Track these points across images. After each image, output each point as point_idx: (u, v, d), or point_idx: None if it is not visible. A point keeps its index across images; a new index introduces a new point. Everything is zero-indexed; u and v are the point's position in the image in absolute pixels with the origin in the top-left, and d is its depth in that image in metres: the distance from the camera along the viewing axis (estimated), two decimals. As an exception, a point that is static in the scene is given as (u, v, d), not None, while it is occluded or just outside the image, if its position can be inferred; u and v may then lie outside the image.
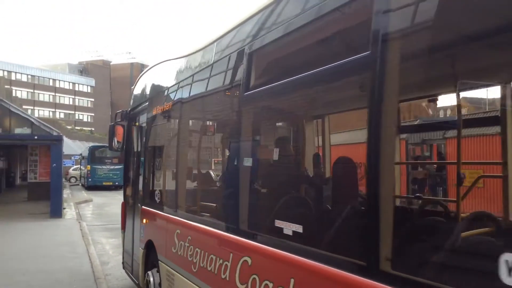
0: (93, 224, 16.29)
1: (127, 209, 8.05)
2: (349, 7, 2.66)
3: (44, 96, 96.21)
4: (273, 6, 3.59)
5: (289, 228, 3.11)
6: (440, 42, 2.33)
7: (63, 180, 21.90)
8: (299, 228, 3.03)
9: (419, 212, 2.85)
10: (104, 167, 34.16)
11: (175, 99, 5.80)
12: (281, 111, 3.79)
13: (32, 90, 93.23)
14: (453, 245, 2.27)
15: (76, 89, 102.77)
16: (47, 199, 18.27)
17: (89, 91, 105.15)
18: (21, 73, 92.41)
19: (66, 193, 26.24)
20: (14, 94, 55.90)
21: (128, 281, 7.86)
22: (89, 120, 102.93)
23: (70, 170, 45.60)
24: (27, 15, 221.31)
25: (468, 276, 2.05)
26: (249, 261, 3.52)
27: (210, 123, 5.37)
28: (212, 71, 4.70)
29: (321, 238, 2.97)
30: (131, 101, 8.36)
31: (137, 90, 8.11)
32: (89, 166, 35.13)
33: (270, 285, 3.16)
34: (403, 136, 3.12)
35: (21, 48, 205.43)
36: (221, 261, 4.00)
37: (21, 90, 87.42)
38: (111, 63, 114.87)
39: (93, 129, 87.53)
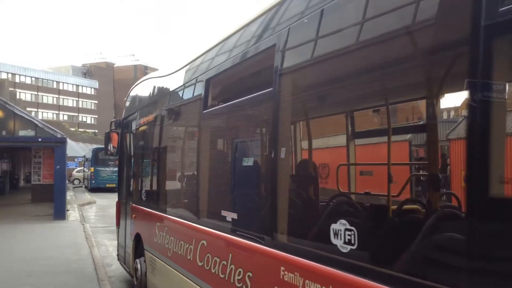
0: (97, 226, 16.39)
1: (121, 207, 9.09)
2: (258, 58, 3.87)
3: (48, 98, 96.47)
4: (216, 49, 4.97)
5: (229, 216, 4.18)
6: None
7: (67, 182, 21.98)
8: (235, 216, 4.10)
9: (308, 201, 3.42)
10: (107, 169, 34.24)
11: (157, 111, 6.98)
12: (223, 125, 4.92)
13: (36, 93, 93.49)
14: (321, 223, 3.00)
15: (80, 91, 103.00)
16: (51, 201, 18.44)
17: (92, 93, 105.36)
18: (25, 76, 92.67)
19: (69, 195, 26.43)
20: (18, 97, 56.23)
21: (131, 282, 7.93)
22: (92, 122, 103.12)
23: (74, 172, 45.76)
24: (31, 18, 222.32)
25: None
26: (205, 243, 4.58)
27: (182, 132, 6.30)
28: (183, 90, 5.90)
29: (247, 223, 3.95)
30: (124, 111, 9.58)
31: (128, 102, 9.33)
32: (92, 168, 35.27)
33: (218, 260, 4.19)
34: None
35: (25, 50, 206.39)
36: (187, 245, 5.07)
37: (25, 93, 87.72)
38: (114, 65, 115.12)
39: (96, 131, 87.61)
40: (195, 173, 5.15)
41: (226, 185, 4.67)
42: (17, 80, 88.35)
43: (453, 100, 2.18)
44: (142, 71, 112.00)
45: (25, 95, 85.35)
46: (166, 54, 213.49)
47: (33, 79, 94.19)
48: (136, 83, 8.99)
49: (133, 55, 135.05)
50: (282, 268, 3.06)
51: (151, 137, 7.43)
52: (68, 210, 18.85)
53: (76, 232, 13.94)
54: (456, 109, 2.19)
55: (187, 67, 5.86)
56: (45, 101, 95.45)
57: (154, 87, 7.56)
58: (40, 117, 67.67)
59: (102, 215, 19.66)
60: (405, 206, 2.65)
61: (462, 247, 1.89)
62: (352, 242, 2.50)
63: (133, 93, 9.07)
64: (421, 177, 2.82)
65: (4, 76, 77.41)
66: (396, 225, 2.57)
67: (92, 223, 16.95)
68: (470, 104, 1.85)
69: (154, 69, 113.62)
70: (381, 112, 2.93)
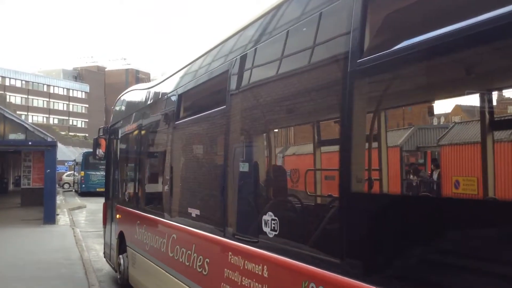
0: (87, 230, 16.24)
1: (107, 208, 9.82)
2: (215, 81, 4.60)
3: (38, 102, 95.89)
4: (184, 70, 5.81)
5: (194, 212, 4.97)
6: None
7: (57, 186, 21.82)
8: (197, 212, 4.89)
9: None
10: (97, 173, 33.85)
11: (137, 120, 7.81)
12: (190, 136, 5.67)
13: (26, 96, 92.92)
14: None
15: (71, 95, 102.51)
16: (41, 205, 18.21)
17: (83, 97, 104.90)
18: (15, 79, 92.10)
19: (59, 199, 26.16)
20: (8, 100, 55.81)
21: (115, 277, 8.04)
22: (83, 126, 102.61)
23: (64, 176, 45.44)
24: (22, 21, 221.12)
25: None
26: (175, 236, 5.33)
27: (157, 140, 7.04)
28: (160, 103, 6.63)
29: (206, 219, 4.70)
30: (111, 118, 10.41)
31: (115, 110, 10.17)
32: (82, 172, 35.00)
33: (185, 250, 4.93)
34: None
35: (16, 53, 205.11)
36: (160, 239, 5.82)
37: (15, 96, 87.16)
38: (106, 69, 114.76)
39: (87, 135, 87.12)
40: (168, 176, 5.95)
41: (191, 187, 5.51)
42: (7, 83, 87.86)
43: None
44: (133, 75, 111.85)
45: (15, 99, 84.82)
46: (157, 58, 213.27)
47: (24, 82, 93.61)
48: (122, 94, 9.73)
49: (124, 59, 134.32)
50: (230, 253, 3.83)
51: (132, 144, 8.37)
52: (58, 215, 18.66)
53: (66, 237, 13.81)
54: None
55: (163, 83, 6.68)
56: (35, 104, 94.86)
57: (136, 98, 8.41)
58: (30, 120, 67.21)
59: (93, 220, 19.45)
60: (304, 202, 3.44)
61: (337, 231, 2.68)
62: (276, 229, 3.25)
63: (118, 103, 9.86)
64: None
65: (-6, 79, 76.88)
66: (300, 217, 3.44)
67: (82, 228, 16.81)
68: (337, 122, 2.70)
69: (146, 73, 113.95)
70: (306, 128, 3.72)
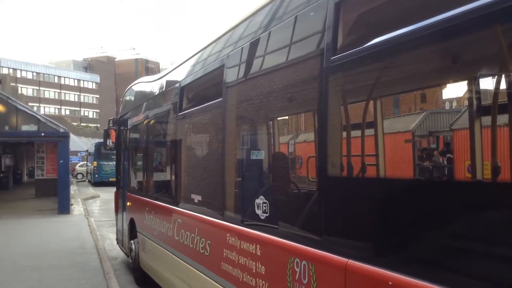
0: (101, 219, 16.40)
1: (119, 196, 10.20)
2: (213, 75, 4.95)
3: (50, 93, 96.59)
4: (186, 63, 6.11)
5: (196, 198, 5.35)
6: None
7: (70, 176, 22.02)
8: (199, 198, 5.28)
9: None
10: (110, 163, 33.91)
11: (145, 111, 8.16)
12: (192, 126, 5.91)
13: (37, 87, 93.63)
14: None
15: (81, 85, 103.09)
16: (55, 195, 18.40)
17: (94, 87, 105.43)
18: (27, 71, 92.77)
19: (73, 189, 26.40)
20: (20, 92, 56.15)
21: (138, 274, 8.15)
22: (94, 116, 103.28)
23: (77, 167, 45.78)
24: (32, 13, 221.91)
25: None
26: (180, 221, 5.71)
27: (164, 130, 7.24)
28: (165, 95, 7.00)
29: (208, 204, 5.04)
30: (120, 109, 10.80)
31: (124, 101, 10.50)
32: (95, 162, 35.20)
33: (189, 233, 5.29)
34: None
35: (26, 45, 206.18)
36: (167, 224, 6.22)
37: (27, 88, 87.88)
38: (115, 59, 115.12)
39: (98, 125, 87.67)
40: (174, 165, 6.33)
41: (195, 174, 5.81)
42: (18, 75, 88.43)
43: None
44: (143, 64, 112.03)
45: (26, 90, 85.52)
46: (167, 47, 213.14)
47: (35, 74, 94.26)
48: (130, 85, 10.03)
49: (134, 49, 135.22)
50: (228, 235, 4.17)
51: (141, 134, 8.74)
52: (72, 205, 18.88)
53: (81, 226, 13.97)
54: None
55: (171, 73, 6.94)
56: (46, 96, 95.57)
57: (144, 90, 8.73)
58: (42, 112, 67.76)
59: (106, 209, 19.61)
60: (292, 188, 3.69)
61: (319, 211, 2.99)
62: (266, 211, 3.58)
63: (127, 94, 10.18)
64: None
65: (5, 71, 77.42)
66: (291, 200, 3.63)
67: (96, 217, 16.99)
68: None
69: (155, 63, 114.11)
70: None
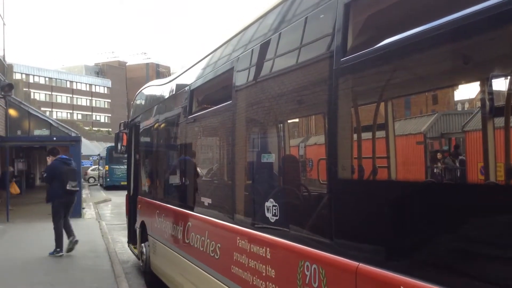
0: (113, 223, 16.45)
1: (130, 199, 10.14)
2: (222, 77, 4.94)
3: (62, 98, 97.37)
4: (196, 67, 6.10)
5: (206, 201, 5.34)
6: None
7: (82, 180, 22.13)
8: (210, 201, 5.27)
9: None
10: (122, 167, 33.88)
11: (155, 115, 8.17)
12: (202, 129, 6.00)
13: (50, 92, 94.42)
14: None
15: (93, 90, 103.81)
16: (67, 199, 18.42)
17: (105, 92, 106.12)
18: (39, 76, 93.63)
19: (85, 193, 26.50)
20: (32, 97, 56.66)
21: (149, 277, 8.21)
22: (106, 120, 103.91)
23: (89, 171, 46.01)
24: (44, 19, 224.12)
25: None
26: (191, 224, 5.71)
27: (173, 134, 7.29)
28: (175, 98, 7.01)
29: (218, 207, 5.03)
30: (131, 113, 10.81)
31: (134, 105, 10.50)
32: (107, 167, 35.32)
33: (199, 236, 5.28)
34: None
35: (38, 51, 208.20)
36: (178, 227, 6.20)
37: (39, 93, 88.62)
38: (126, 64, 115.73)
39: (110, 129, 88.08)
40: (184, 168, 6.36)
41: (206, 177, 5.82)
42: (31, 80, 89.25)
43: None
44: (154, 69, 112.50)
45: (39, 95, 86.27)
46: (177, 52, 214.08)
47: (47, 79, 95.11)
48: (140, 90, 9.98)
49: (145, 53, 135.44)
50: (238, 238, 4.14)
51: (151, 138, 8.74)
52: (83, 208, 18.89)
53: (92, 230, 13.99)
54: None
55: (180, 77, 6.95)
56: (59, 100, 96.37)
57: (154, 93, 8.72)
58: (54, 116, 68.33)
59: (118, 213, 19.68)
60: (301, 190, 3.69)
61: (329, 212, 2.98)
62: (276, 214, 3.56)
63: (137, 98, 10.21)
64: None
65: (18, 76, 77.99)
66: (301, 203, 3.63)
67: (108, 221, 17.03)
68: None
69: (166, 67, 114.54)
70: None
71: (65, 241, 10.17)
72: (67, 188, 10.15)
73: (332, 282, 2.81)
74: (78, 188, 10.89)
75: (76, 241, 10.23)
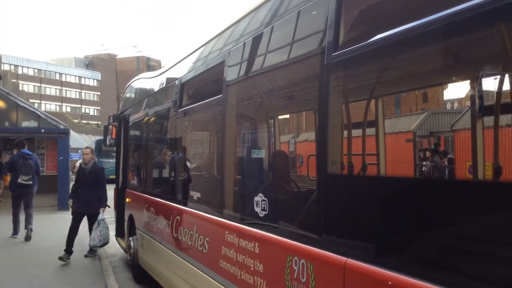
0: (100, 217, 16.32)
1: (118, 193, 10.11)
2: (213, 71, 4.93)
3: (51, 90, 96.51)
4: (186, 60, 6.09)
5: (195, 195, 5.34)
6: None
7: (70, 173, 21.99)
8: (199, 195, 5.28)
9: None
10: (110, 160, 33.70)
11: (144, 108, 8.15)
12: (192, 123, 5.92)
13: (38, 84, 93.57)
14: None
15: (83, 82, 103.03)
16: (54, 192, 18.36)
17: (95, 84, 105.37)
18: (28, 67, 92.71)
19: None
20: (21, 88, 56.15)
21: (136, 271, 8.22)
22: (95, 113, 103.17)
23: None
24: (33, 10, 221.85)
25: None
26: (179, 218, 5.66)
27: (163, 127, 7.21)
28: (165, 91, 6.95)
29: (206, 201, 5.06)
30: (120, 105, 10.72)
31: (124, 97, 10.41)
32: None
33: (188, 230, 5.25)
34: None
35: (27, 42, 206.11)
36: (166, 221, 6.19)
37: (28, 84, 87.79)
38: (117, 57, 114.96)
39: (99, 122, 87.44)
40: (173, 162, 6.30)
41: (195, 171, 5.79)
42: (19, 71, 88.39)
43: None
44: (144, 62, 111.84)
45: (28, 87, 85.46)
46: (168, 45, 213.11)
47: (36, 70, 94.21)
48: (130, 82, 9.93)
49: (135, 46, 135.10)
50: (226, 232, 4.15)
51: (140, 131, 8.73)
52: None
53: (102, 214, 13.86)
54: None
55: (170, 70, 6.94)
56: (48, 92, 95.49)
57: (144, 86, 8.69)
58: (43, 108, 67.75)
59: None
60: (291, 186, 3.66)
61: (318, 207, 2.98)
62: (265, 209, 3.56)
63: (127, 90, 10.11)
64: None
65: (7, 67, 77.09)
66: (290, 199, 3.62)
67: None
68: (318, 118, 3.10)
69: (157, 61, 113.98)
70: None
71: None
72: (18, 181, 10.95)
73: (320, 277, 2.83)
74: (30, 182, 11.20)
75: (31, 229, 11.20)
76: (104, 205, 9.23)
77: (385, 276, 2.30)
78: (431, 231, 2.24)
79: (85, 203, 9.13)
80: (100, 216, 9.01)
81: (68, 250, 8.90)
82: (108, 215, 16.22)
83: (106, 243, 9.12)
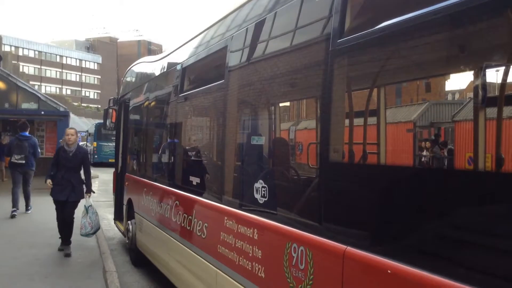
0: (99, 200, 16.37)
1: (117, 177, 10.13)
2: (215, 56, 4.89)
3: (51, 72, 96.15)
4: (188, 44, 6.07)
5: (195, 181, 5.34)
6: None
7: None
8: (198, 180, 5.27)
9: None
10: (110, 144, 33.70)
11: (145, 92, 8.11)
12: (192, 108, 5.93)
13: (39, 66, 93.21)
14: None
15: (83, 65, 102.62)
16: (54, 174, 18.32)
17: (95, 68, 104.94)
18: (28, 49, 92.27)
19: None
20: (21, 70, 55.99)
21: (134, 254, 8.26)
22: (95, 97, 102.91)
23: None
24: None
25: None
26: (178, 203, 5.68)
27: (164, 112, 7.12)
28: (166, 76, 6.89)
29: (206, 187, 5.09)
30: (121, 89, 10.66)
31: (124, 81, 10.32)
32: (95, 143, 35.07)
33: (186, 215, 5.28)
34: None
35: (28, 23, 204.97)
36: (165, 205, 6.21)
37: (28, 66, 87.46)
38: (118, 40, 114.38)
39: (99, 106, 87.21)
40: (173, 147, 6.30)
41: (195, 156, 5.74)
42: (20, 53, 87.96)
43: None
44: (145, 46, 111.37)
45: (28, 69, 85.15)
46: (170, 30, 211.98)
47: (37, 52, 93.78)
48: (131, 66, 9.86)
49: (137, 30, 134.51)
50: (225, 218, 4.16)
51: (140, 115, 8.68)
52: (71, 184, 18.78)
53: (78, 206, 13.92)
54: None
55: (169, 57, 6.90)
56: (48, 75, 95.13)
57: (145, 70, 8.61)
58: (43, 91, 67.56)
59: (105, 190, 19.58)
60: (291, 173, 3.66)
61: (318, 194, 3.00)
62: (265, 195, 3.56)
63: (127, 74, 10.03)
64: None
65: (7, 49, 76.71)
66: (290, 186, 3.64)
67: (94, 197, 16.88)
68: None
69: (158, 45, 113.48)
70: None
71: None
72: (12, 160, 11.84)
73: (318, 265, 2.84)
74: (23, 162, 11.78)
75: (14, 216, 11.60)
76: (90, 190, 8.51)
77: (384, 265, 2.31)
78: (430, 221, 2.24)
79: (69, 190, 8.13)
80: (88, 202, 8.42)
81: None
82: (105, 198, 16.35)
83: (98, 229, 8.59)
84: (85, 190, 8.42)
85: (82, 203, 8.57)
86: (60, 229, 8.42)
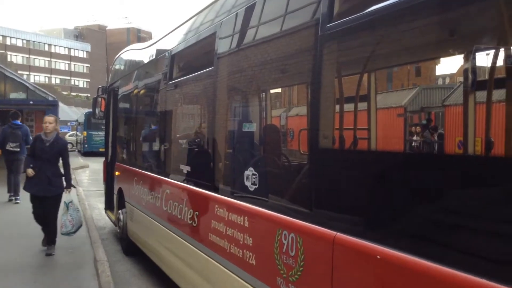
0: (90, 189, 16.34)
1: (108, 166, 10.05)
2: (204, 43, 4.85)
3: (40, 62, 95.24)
4: (177, 31, 5.98)
5: (185, 169, 5.27)
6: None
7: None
8: (188, 169, 5.21)
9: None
10: (100, 133, 33.29)
11: (134, 80, 8.03)
12: (182, 96, 5.84)
13: (27, 55, 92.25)
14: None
15: (72, 54, 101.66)
16: (43, 164, 18.22)
17: (85, 56, 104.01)
18: (16, 38, 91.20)
19: (62, 159, 26.11)
20: (9, 59, 55.26)
21: (125, 243, 8.25)
22: (85, 86, 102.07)
23: (67, 136, 45.37)
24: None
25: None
26: (169, 191, 5.64)
27: (153, 100, 7.11)
28: (155, 63, 6.80)
29: (197, 173, 5.01)
30: (110, 78, 10.52)
31: (113, 69, 10.17)
32: (85, 132, 34.83)
33: (177, 204, 5.25)
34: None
35: (16, 12, 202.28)
36: (155, 194, 6.19)
37: (16, 55, 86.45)
38: (107, 28, 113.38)
39: (89, 95, 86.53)
40: (163, 135, 6.27)
41: (184, 145, 5.71)
42: (8, 42, 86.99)
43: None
44: (135, 34, 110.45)
45: (16, 58, 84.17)
46: (159, 17, 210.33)
47: (25, 41, 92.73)
48: (119, 53, 9.75)
49: (126, 17, 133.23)
50: (216, 206, 4.15)
51: (130, 103, 8.61)
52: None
53: (69, 196, 13.85)
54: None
55: (158, 44, 6.83)
56: (36, 64, 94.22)
57: (133, 58, 8.53)
58: (32, 80, 66.88)
59: (95, 179, 19.49)
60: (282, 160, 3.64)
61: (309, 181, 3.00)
62: (255, 183, 3.55)
63: (117, 62, 9.91)
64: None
65: (-6, 38, 76.08)
66: (281, 173, 3.60)
67: (85, 187, 16.89)
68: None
69: (147, 32, 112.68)
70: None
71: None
72: (6, 148, 11.96)
73: (309, 251, 2.84)
74: (18, 149, 12.02)
75: (11, 200, 12.14)
76: (70, 185, 7.81)
77: (374, 250, 2.31)
78: (420, 206, 2.24)
79: (45, 183, 7.41)
80: (68, 198, 7.73)
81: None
82: (96, 188, 16.29)
83: (80, 226, 7.91)
84: (65, 185, 7.71)
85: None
86: (41, 226, 7.85)
